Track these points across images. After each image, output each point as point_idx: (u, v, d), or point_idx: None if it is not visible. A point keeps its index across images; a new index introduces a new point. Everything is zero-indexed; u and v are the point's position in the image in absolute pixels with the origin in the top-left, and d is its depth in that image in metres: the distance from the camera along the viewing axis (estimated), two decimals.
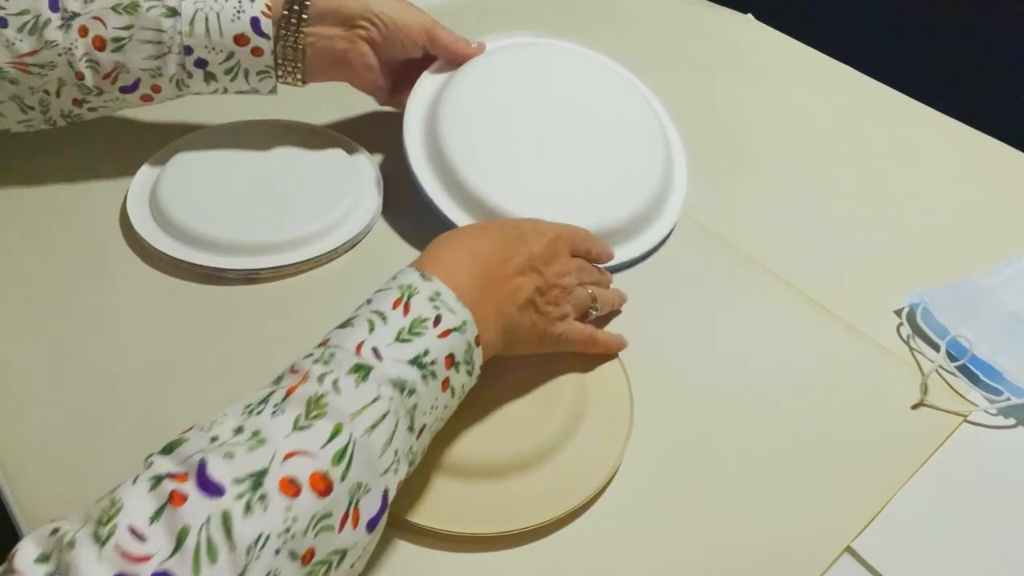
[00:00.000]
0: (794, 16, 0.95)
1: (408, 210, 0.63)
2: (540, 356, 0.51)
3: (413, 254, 0.59)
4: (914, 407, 0.53)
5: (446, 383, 0.40)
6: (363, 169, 0.65)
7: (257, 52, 0.57)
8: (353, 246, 0.60)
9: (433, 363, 0.39)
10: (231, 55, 0.57)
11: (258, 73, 0.59)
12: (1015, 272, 0.62)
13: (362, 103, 0.74)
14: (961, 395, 0.54)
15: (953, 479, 0.49)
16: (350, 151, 0.67)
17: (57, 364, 0.50)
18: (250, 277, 0.57)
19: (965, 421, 0.52)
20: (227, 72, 0.58)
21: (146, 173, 0.62)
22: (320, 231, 0.59)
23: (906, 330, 0.58)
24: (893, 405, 0.53)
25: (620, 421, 0.49)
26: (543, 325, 0.48)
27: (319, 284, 0.57)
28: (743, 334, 0.57)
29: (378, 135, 0.70)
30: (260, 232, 0.58)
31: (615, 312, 0.57)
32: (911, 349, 0.57)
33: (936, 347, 0.56)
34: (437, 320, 0.40)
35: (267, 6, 0.56)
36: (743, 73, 0.86)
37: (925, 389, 0.54)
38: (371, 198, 0.63)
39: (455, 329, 0.41)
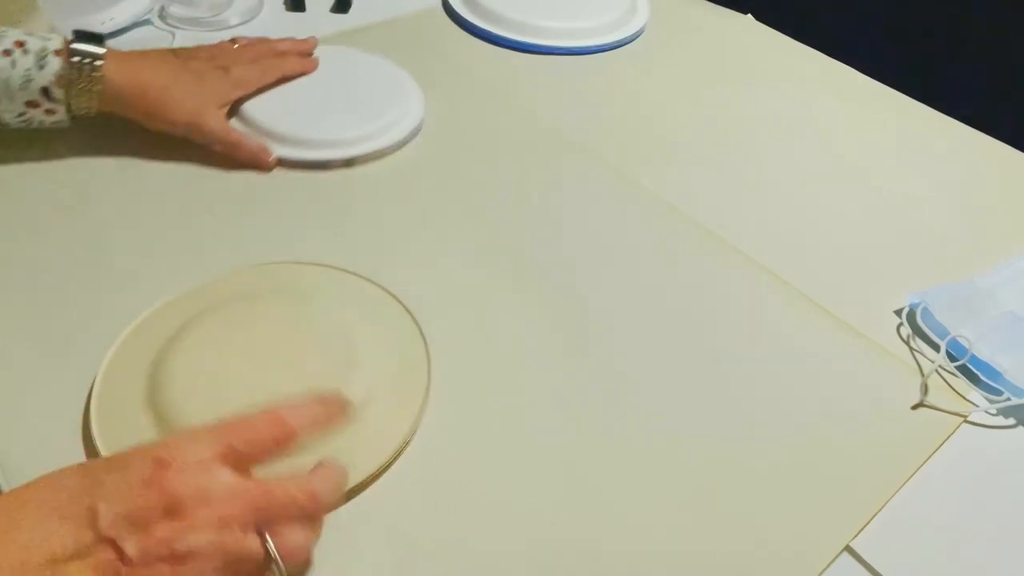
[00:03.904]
0: (794, 16, 0.95)
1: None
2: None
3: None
4: (914, 407, 0.53)
5: None
6: (406, 81, 0.76)
7: (51, 112, 0.60)
8: (412, 137, 0.70)
9: None
10: (23, 113, 0.60)
11: (52, 123, 0.61)
12: (1015, 272, 0.62)
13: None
14: (961, 395, 0.54)
15: (953, 479, 0.49)
16: (394, 69, 0.77)
17: (57, 364, 0.50)
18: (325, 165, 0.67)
19: (965, 421, 0.52)
20: (21, 121, 0.61)
21: None
22: (384, 126, 0.70)
23: (906, 330, 0.58)
24: (893, 405, 0.53)
25: None
26: None
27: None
28: (741, 334, 0.57)
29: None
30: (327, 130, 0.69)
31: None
32: (911, 349, 0.57)
33: (936, 347, 0.56)
34: None
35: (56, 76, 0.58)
36: (743, 73, 0.86)
37: (925, 389, 0.54)
38: (418, 100, 0.74)
39: None
